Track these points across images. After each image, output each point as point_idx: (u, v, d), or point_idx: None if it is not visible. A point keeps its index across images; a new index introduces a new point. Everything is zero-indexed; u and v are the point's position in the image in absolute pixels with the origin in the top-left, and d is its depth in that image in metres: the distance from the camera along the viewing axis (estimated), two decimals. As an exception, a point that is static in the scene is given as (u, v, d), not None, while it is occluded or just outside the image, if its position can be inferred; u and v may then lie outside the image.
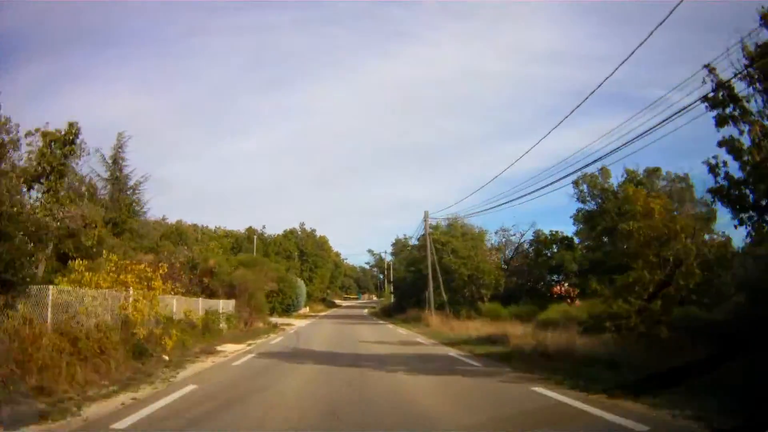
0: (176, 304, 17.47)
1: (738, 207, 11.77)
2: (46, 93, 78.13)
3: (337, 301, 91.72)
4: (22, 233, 10.52)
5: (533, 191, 22.43)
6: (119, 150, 31.19)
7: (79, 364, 9.88)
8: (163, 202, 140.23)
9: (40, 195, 15.24)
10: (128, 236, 27.71)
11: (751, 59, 10.87)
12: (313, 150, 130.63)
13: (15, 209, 11.05)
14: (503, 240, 42.92)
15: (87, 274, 12.83)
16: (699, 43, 64.71)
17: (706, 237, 19.70)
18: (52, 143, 15.72)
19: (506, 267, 41.29)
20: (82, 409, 7.50)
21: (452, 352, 17.06)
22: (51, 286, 11.00)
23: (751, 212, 11.62)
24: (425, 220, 38.06)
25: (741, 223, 11.73)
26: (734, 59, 11.23)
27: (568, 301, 35.10)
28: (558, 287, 38.53)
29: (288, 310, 47.25)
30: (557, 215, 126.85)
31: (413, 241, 50.38)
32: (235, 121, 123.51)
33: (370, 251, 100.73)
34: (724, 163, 12.12)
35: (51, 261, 15.27)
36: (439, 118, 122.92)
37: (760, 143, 11.21)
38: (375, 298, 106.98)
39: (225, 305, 24.88)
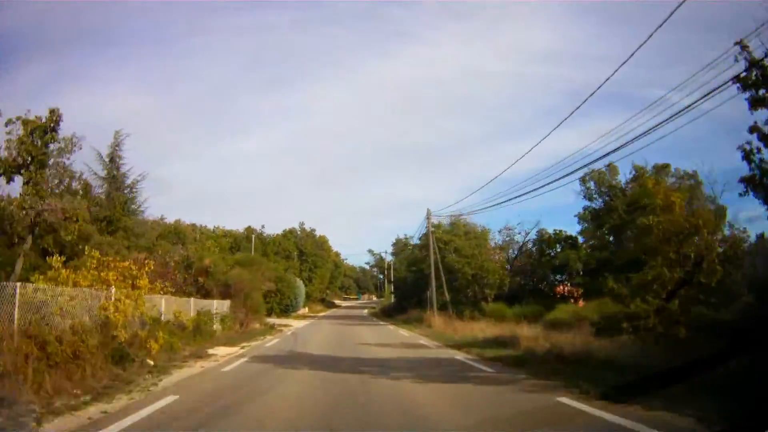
0: (165, 305, 16.44)
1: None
2: (46, 93, 77.50)
3: (337, 302, 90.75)
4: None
5: (539, 187, 21.37)
6: (116, 148, 30.69)
7: (48, 371, 8.91)
8: (163, 202, 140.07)
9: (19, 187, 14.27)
10: (122, 234, 26.92)
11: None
12: (313, 150, 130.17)
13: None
14: (506, 239, 41.96)
15: (64, 270, 11.80)
16: (698, 44, 64.06)
17: (727, 232, 18.74)
18: (33, 132, 14.72)
19: (510, 267, 40.34)
20: (42, 426, 6.49)
21: (459, 355, 16.01)
22: (18, 284, 10.00)
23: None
24: (428, 218, 37.04)
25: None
26: (765, 38, 10.41)
27: (572, 301, 34.29)
28: (561, 287, 37.70)
29: (286, 310, 46.43)
30: (560, 215, 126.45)
31: (414, 240, 49.54)
32: (235, 121, 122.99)
33: (370, 251, 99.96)
34: (758, 150, 11.20)
35: (30, 257, 14.24)
36: (439, 118, 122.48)
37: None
38: (375, 299, 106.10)
39: (219, 305, 23.87)
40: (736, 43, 10.78)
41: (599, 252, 33.65)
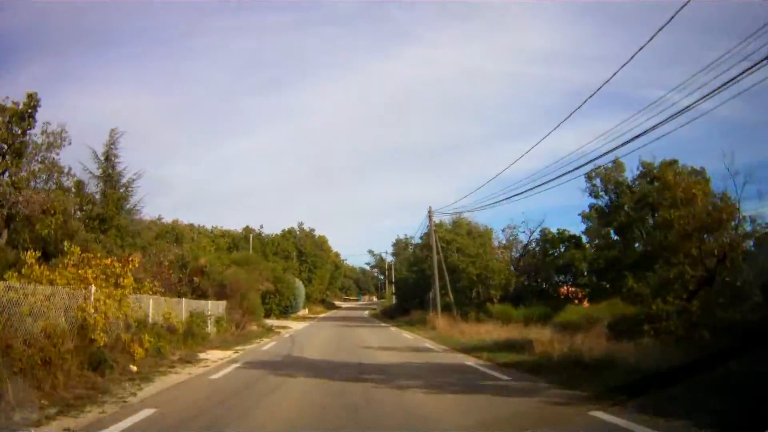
0: (153, 305, 15.40)
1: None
2: (46, 93, 76.01)
3: (337, 303, 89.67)
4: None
5: (545, 182, 20.25)
6: (112, 146, 29.78)
7: (11, 379, 7.90)
8: (163, 202, 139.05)
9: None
10: (115, 233, 25.99)
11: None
12: (312, 150, 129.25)
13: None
14: (510, 237, 40.89)
15: (37, 267, 10.79)
16: (697, 44, 63.20)
17: (748, 228, 17.70)
18: (11, 120, 13.75)
19: (515, 267, 39.30)
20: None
21: (470, 360, 14.94)
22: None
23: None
24: (429, 216, 35.95)
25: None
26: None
27: (576, 302, 33.30)
28: (565, 288, 36.71)
29: (286, 311, 45.45)
30: (563, 215, 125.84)
31: (415, 240, 48.58)
32: (234, 121, 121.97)
33: (370, 252, 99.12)
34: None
35: (5, 252, 13.21)
36: (439, 118, 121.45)
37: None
38: (375, 300, 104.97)
39: (214, 307, 22.84)
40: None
41: (607, 251, 32.69)
